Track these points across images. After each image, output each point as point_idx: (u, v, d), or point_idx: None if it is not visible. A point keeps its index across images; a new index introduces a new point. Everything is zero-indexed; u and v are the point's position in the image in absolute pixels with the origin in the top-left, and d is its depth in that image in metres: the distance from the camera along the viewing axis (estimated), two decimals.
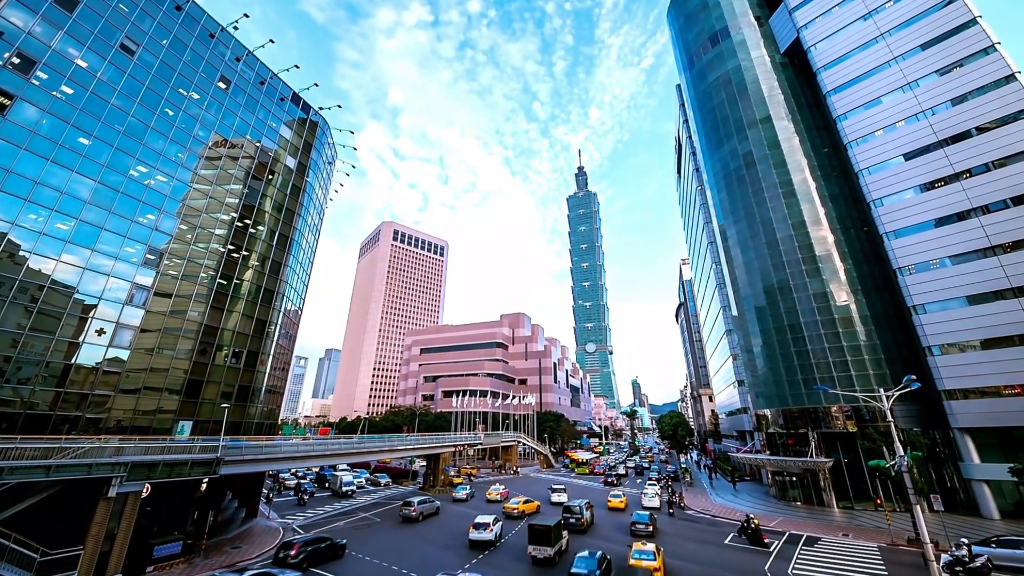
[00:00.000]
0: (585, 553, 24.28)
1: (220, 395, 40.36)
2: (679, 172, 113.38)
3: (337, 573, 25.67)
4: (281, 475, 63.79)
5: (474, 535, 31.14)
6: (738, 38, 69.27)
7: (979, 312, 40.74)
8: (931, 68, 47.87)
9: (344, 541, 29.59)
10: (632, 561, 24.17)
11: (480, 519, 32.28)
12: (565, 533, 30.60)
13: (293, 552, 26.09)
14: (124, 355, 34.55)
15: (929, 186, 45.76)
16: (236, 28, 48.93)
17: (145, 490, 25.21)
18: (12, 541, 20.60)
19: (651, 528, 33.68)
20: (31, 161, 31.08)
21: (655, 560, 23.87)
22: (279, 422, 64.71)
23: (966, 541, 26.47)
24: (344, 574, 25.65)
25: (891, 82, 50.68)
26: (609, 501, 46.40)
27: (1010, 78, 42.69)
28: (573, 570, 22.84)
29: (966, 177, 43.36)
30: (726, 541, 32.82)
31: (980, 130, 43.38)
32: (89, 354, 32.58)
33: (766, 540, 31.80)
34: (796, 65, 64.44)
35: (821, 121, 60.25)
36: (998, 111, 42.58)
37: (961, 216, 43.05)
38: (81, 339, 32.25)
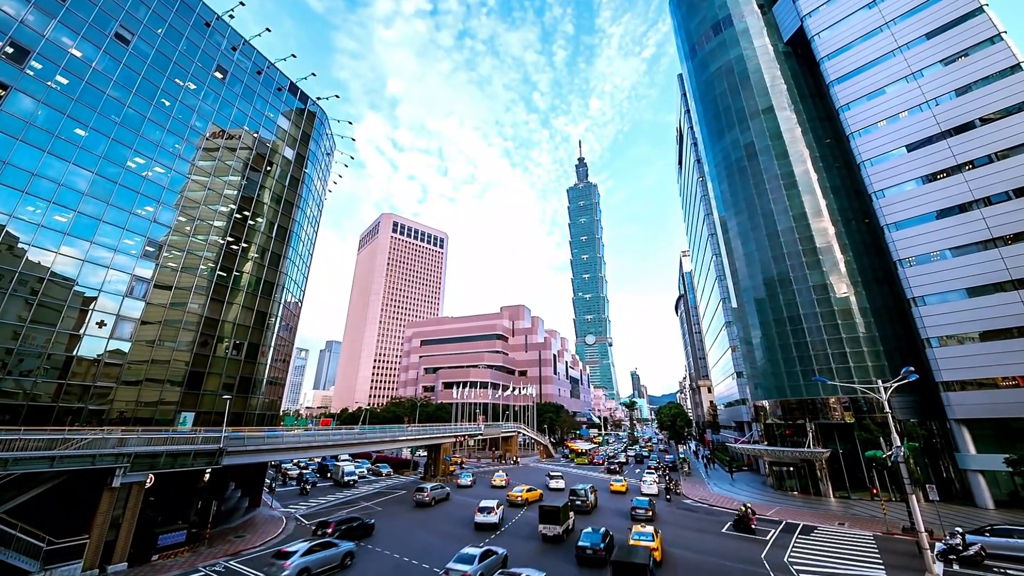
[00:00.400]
0: (590, 529, 26.61)
1: (222, 387, 40.54)
2: (680, 163, 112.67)
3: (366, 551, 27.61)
4: (283, 465, 64.42)
5: (479, 518, 32.94)
6: (741, 27, 68.35)
7: (978, 304, 40.76)
8: (936, 58, 47.30)
9: (373, 521, 31.95)
10: (632, 542, 25.38)
11: (485, 503, 34.00)
12: (572, 514, 32.91)
13: (330, 530, 28.64)
14: (125, 347, 34.64)
15: (931, 178, 45.49)
16: (232, 17, 48.22)
17: (148, 480, 25.49)
18: (18, 530, 20.87)
19: (650, 513, 35.32)
20: (28, 152, 30.85)
21: (654, 541, 25.21)
22: (281, 413, 65.13)
23: (960, 530, 26.85)
24: (368, 555, 27.03)
25: (895, 72, 50.11)
26: (611, 485, 50.63)
27: (1015, 68, 42.18)
28: (580, 543, 25.37)
29: (968, 168, 43.08)
30: (723, 530, 33.26)
31: (984, 121, 42.99)
32: (90, 346, 32.65)
33: (753, 527, 32.41)
34: (799, 54, 63.67)
35: (823, 112, 59.71)
36: (1002, 101, 42.16)
37: (963, 208, 42.86)
38: (82, 331, 32.31)
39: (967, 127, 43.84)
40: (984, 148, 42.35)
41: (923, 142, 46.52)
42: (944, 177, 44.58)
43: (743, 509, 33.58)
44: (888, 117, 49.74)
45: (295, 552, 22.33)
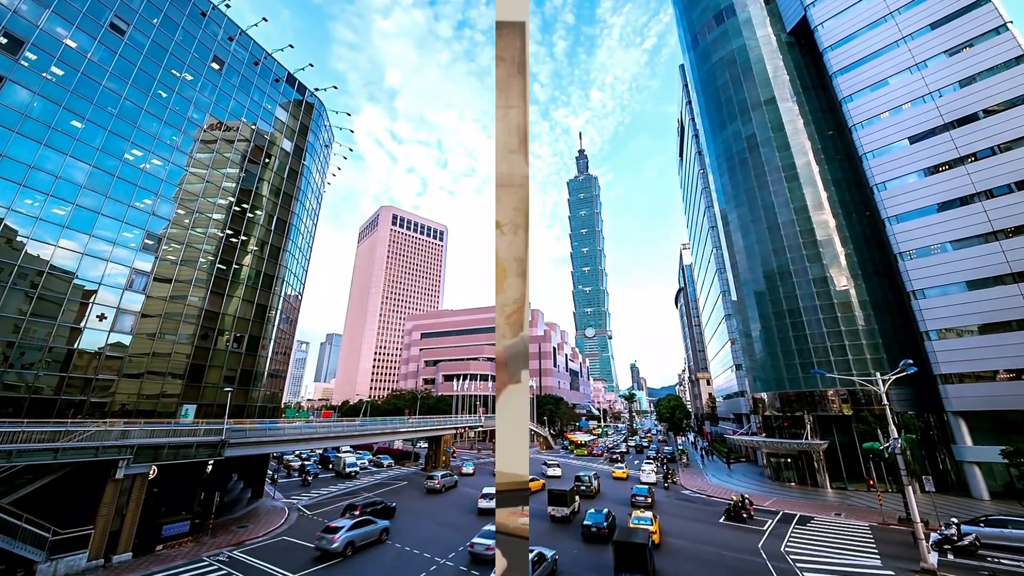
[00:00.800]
0: (593, 511, 29.00)
1: (223, 379, 40.68)
2: (681, 155, 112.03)
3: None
4: (285, 457, 64.92)
5: (483, 504, 34.51)
6: (744, 16, 67.50)
7: (978, 297, 40.80)
8: (940, 48, 46.78)
9: (394, 504, 34.86)
10: (632, 525, 26.38)
11: (487, 490, 35.63)
12: (577, 498, 35.92)
13: (357, 512, 30.90)
14: (126, 340, 34.70)
15: (933, 170, 45.26)
16: (228, 6, 47.60)
17: (151, 472, 25.72)
18: (24, 521, 21.09)
19: (649, 500, 36.76)
20: (24, 145, 30.63)
21: (652, 525, 26.38)
22: (282, 405, 65.49)
23: (955, 520, 27.16)
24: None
25: (899, 63, 49.60)
26: (614, 472, 54.43)
27: (1021, 59, 41.73)
28: (585, 522, 27.98)
29: (971, 161, 42.84)
30: (721, 520, 33.63)
31: (987, 112, 42.66)
32: (91, 339, 32.71)
33: (744, 516, 32.91)
34: (802, 45, 62.96)
35: (826, 103, 59.20)
36: (1007, 93, 41.79)
37: (964, 201, 42.70)
38: (83, 324, 32.34)
39: (970, 119, 43.50)
40: (987, 140, 42.09)
41: (926, 134, 46.20)
42: (946, 170, 44.35)
43: (734, 499, 34.14)
44: (891, 109, 49.35)
45: (342, 527, 25.43)
